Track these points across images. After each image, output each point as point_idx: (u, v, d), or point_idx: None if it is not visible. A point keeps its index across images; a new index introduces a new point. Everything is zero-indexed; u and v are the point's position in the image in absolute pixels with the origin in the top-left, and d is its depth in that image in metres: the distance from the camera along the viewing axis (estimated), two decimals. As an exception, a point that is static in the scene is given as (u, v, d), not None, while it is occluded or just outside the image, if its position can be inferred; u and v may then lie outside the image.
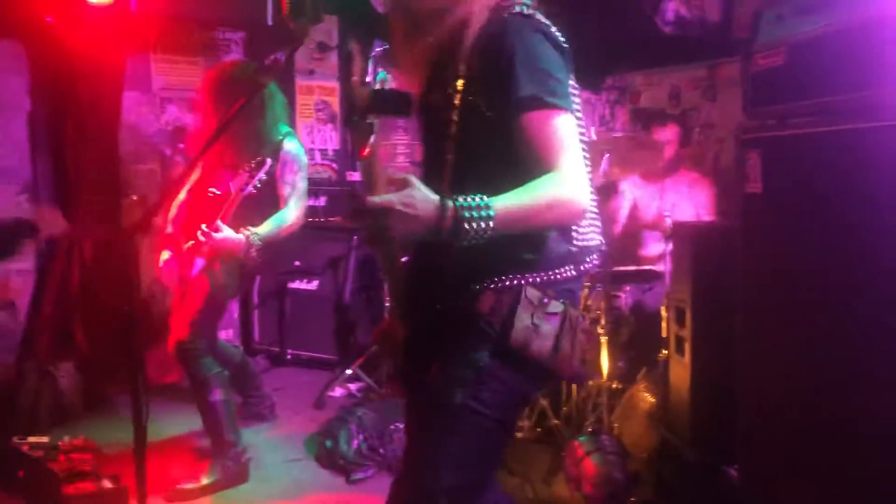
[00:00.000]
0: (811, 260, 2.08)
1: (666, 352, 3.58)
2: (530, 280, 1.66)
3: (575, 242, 1.75)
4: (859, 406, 1.92)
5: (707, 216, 4.16)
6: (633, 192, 4.42)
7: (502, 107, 1.61)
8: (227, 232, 3.37)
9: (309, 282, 5.40)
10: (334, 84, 6.13)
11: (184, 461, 3.82)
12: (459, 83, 1.66)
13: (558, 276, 1.69)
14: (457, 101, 1.66)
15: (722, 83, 4.55)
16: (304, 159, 3.71)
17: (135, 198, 5.18)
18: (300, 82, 5.93)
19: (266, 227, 3.50)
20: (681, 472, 2.94)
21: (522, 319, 1.61)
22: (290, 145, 3.62)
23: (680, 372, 3.01)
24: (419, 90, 1.81)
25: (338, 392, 4.82)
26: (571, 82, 1.72)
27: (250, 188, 3.34)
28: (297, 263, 5.26)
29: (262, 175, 3.34)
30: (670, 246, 3.40)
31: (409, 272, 1.81)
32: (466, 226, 1.48)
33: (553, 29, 1.69)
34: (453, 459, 1.65)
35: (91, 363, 4.70)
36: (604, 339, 3.76)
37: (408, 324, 1.83)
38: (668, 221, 3.82)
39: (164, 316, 5.29)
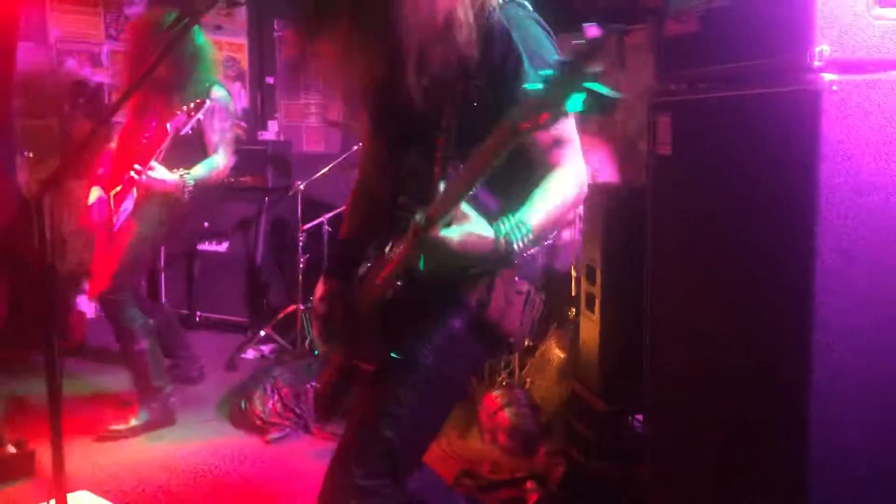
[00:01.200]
0: (717, 220, 2.20)
1: (575, 310, 3.73)
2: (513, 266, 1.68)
3: None
4: (758, 362, 2.04)
5: (606, 179, 4.29)
6: None
7: (511, 103, 1.57)
8: (161, 171, 3.41)
9: (219, 243, 5.31)
10: (243, 40, 5.97)
11: (113, 409, 3.84)
12: (461, 81, 1.64)
13: (528, 258, 1.72)
14: (456, 96, 1.65)
15: (630, 50, 4.66)
16: (233, 108, 3.74)
17: (30, 155, 4.95)
18: (207, 37, 5.75)
19: (198, 170, 3.56)
20: (590, 422, 3.07)
21: (498, 298, 1.68)
22: (219, 93, 3.64)
23: (590, 327, 3.13)
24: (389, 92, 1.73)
25: (250, 354, 4.79)
26: None
27: (188, 128, 3.40)
28: (206, 224, 5.15)
29: (199, 115, 3.37)
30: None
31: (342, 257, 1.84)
32: (516, 248, 1.53)
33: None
34: (420, 420, 1.71)
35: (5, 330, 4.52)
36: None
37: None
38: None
39: (67, 278, 5.16)
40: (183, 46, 3.46)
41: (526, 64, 1.60)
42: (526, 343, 3.66)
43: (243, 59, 6.00)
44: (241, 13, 5.90)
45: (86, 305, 5.11)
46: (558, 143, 1.65)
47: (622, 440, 2.85)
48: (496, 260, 1.54)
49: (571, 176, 1.67)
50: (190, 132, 3.42)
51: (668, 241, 2.45)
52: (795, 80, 1.82)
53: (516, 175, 1.61)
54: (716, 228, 2.19)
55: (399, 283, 1.64)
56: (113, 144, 3.78)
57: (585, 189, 1.70)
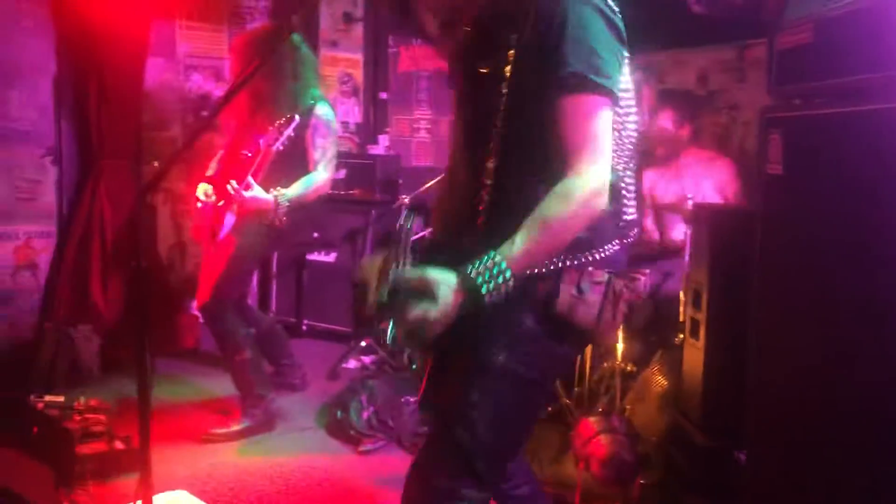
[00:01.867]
0: (832, 246, 2.03)
1: (682, 335, 3.56)
2: (586, 259, 1.65)
3: (624, 218, 1.76)
4: (873, 400, 1.87)
5: (728, 195, 4.10)
6: (647, 178, 4.37)
7: (548, 83, 1.57)
8: (256, 190, 3.45)
9: (327, 254, 5.42)
10: (359, 56, 6.10)
11: (217, 414, 3.96)
12: (511, 53, 1.61)
13: (607, 253, 1.69)
14: (507, 72, 1.61)
15: (750, 65, 4.46)
16: (336, 125, 3.76)
17: (156, 164, 5.20)
18: (324, 53, 5.90)
19: (295, 189, 3.57)
20: (690, 455, 2.91)
21: (566, 288, 1.62)
22: (322, 110, 3.66)
23: (694, 355, 2.98)
24: (461, 58, 1.76)
25: (352, 364, 4.84)
26: (625, 63, 1.69)
27: (279, 145, 3.41)
28: (315, 235, 5.26)
29: (289, 131, 3.40)
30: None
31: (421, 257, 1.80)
32: (486, 294, 1.53)
33: (610, 4, 1.64)
34: (493, 419, 1.65)
35: (109, 326, 4.75)
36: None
37: None
38: (689, 203, 3.78)
39: (184, 282, 5.39)
40: (284, 60, 3.50)
41: (566, 45, 1.55)
42: (627, 368, 3.63)
43: (358, 74, 6.12)
44: (358, 29, 6.03)
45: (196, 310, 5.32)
46: (579, 142, 1.57)
47: (722, 477, 2.67)
48: (470, 307, 1.53)
49: (574, 190, 1.57)
50: (281, 148, 3.42)
51: (777, 266, 2.29)
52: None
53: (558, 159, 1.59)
54: (830, 254, 2.03)
55: None
56: (221, 151, 3.89)
57: (594, 193, 1.59)
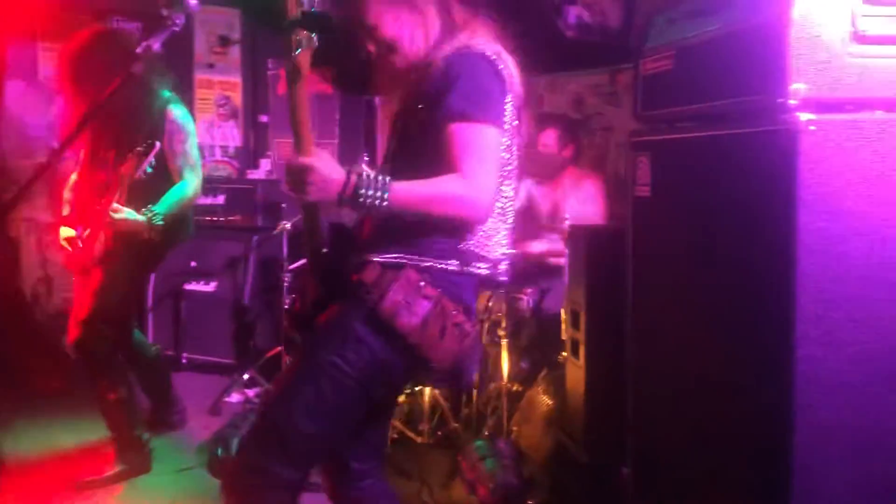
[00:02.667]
0: (696, 264, 2.10)
1: (565, 354, 3.61)
2: (414, 262, 1.82)
3: (466, 242, 1.89)
4: (743, 409, 1.94)
5: (596, 213, 4.20)
6: (528, 191, 4.43)
7: (438, 117, 1.80)
8: (125, 213, 3.23)
9: (206, 283, 5.21)
10: (237, 79, 5.95)
11: (90, 459, 3.69)
12: (417, 99, 1.87)
13: (440, 266, 1.84)
14: (413, 112, 1.88)
15: (623, 89, 4.61)
16: (191, 125, 3.51)
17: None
18: (199, 76, 5.73)
19: (164, 204, 3.35)
20: (576, 474, 2.94)
21: (396, 293, 1.77)
22: (174, 113, 3.43)
23: (576, 374, 3.02)
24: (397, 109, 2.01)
25: (234, 398, 4.66)
26: (508, 109, 1.91)
27: (140, 173, 3.19)
28: (193, 264, 5.07)
29: (151, 159, 3.19)
30: (557, 245, 3.44)
31: (328, 237, 1.94)
32: (362, 197, 1.71)
33: (501, 62, 1.90)
34: (308, 406, 1.80)
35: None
36: (504, 342, 3.75)
37: (316, 287, 1.94)
38: (566, 222, 3.86)
39: (52, 318, 5.08)
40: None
41: (456, 86, 1.78)
42: (514, 388, 3.66)
43: (237, 97, 5.98)
44: (235, 51, 5.89)
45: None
46: (467, 155, 1.76)
47: (608, 494, 2.71)
48: (346, 198, 1.72)
49: (460, 178, 1.76)
50: (143, 176, 3.25)
51: (648, 285, 2.35)
52: (771, 119, 1.73)
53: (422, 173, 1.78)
54: (695, 273, 2.10)
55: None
56: (73, 177, 3.64)
57: (478, 195, 1.78)
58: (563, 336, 3.63)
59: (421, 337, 1.77)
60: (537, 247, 4.34)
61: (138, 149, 3.17)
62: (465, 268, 1.87)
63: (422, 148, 1.85)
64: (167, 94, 3.47)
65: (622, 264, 2.54)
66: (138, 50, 1.92)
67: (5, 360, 4.59)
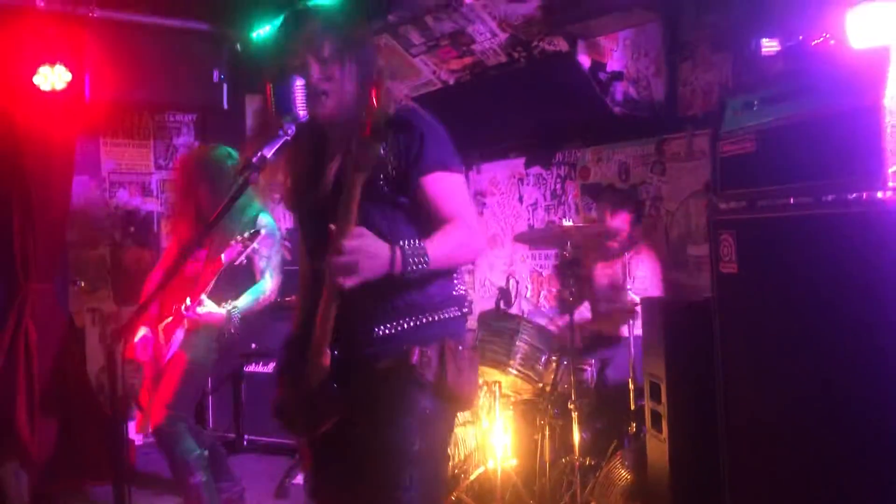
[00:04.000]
0: (792, 341, 2.15)
1: (635, 426, 3.62)
2: (424, 320, 1.93)
3: (457, 288, 2.04)
4: (844, 486, 1.96)
5: (655, 283, 4.25)
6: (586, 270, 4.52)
7: (410, 174, 1.90)
8: (209, 305, 3.45)
9: (265, 364, 5.29)
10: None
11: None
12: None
13: (445, 317, 1.97)
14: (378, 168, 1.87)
15: (669, 158, 4.71)
16: (279, 234, 3.78)
17: (82, 284, 5.04)
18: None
19: (245, 300, 3.57)
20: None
21: (450, 367, 1.89)
22: (265, 220, 3.67)
23: (658, 447, 3.03)
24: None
25: (299, 479, 4.68)
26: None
27: (242, 258, 3.40)
28: (253, 346, 5.15)
29: (255, 245, 3.40)
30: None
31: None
32: (410, 266, 1.78)
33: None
34: (422, 498, 1.87)
35: (38, 462, 4.47)
36: (574, 415, 3.77)
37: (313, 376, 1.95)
38: (630, 296, 3.92)
39: (116, 404, 5.15)
40: (226, 177, 3.53)
41: (427, 145, 1.89)
42: (587, 461, 3.65)
43: (288, 181, 6.14)
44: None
45: (134, 433, 5.10)
46: (456, 201, 1.92)
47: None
48: (396, 270, 1.77)
49: (464, 224, 1.90)
50: (244, 262, 3.45)
51: (740, 361, 2.39)
52: (869, 200, 1.80)
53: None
54: (791, 350, 2.14)
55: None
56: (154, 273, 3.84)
57: (480, 236, 2.02)
58: (632, 407, 3.66)
59: (469, 387, 1.94)
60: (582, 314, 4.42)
61: (244, 235, 3.37)
62: (462, 311, 2.02)
63: (397, 202, 1.94)
64: (257, 203, 3.70)
65: (702, 336, 2.59)
66: (254, 159, 2.04)
67: (74, 447, 4.65)
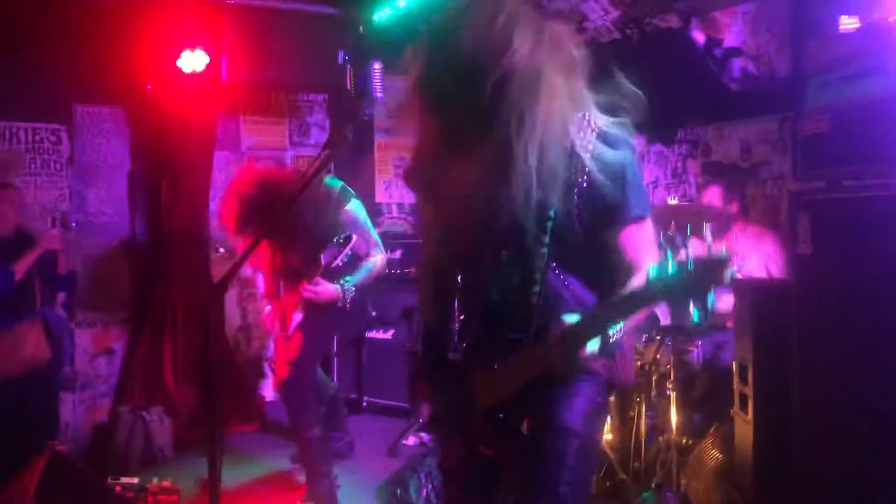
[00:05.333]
0: (863, 320, 2.10)
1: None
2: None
3: None
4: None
5: (773, 270, 4.12)
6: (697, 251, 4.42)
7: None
8: (325, 284, 3.68)
9: (385, 331, 5.57)
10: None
11: (282, 491, 4.11)
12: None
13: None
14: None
15: (792, 136, 4.53)
16: (363, 212, 3.91)
17: (222, 251, 5.48)
18: (378, 140, 6.18)
19: (356, 277, 3.79)
20: (746, 531, 2.91)
21: (621, 361, 1.91)
22: (350, 206, 3.81)
23: (744, 429, 3.00)
24: None
25: (411, 441, 4.92)
26: None
27: (339, 261, 3.63)
28: (374, 314, 5.43)
29: (348, 251, 3.62)
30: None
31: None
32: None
33: None
34: (582, 480, 1.90)
35: (181, 409, 4.96)
36: (673, 395, 3.76)
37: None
38: (736, 276, 3.83)
39: (250, 363, 5.61)
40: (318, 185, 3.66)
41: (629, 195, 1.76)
42: (683, 441, 3.65)
43: (412, 157, 6.36)
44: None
45: (265, 389, 5.53)
46: (641, 249, 1.79)
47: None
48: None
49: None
50: (342, 264, 3.67)
51: (816, 342, 2.36)
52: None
53: (602, 273, 1.80)
54: (862, 327, 2.09)
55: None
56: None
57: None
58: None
59: (631, 374, 1.99)
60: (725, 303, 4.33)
61: (338, 240, 3.59)
62: None
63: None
64: (337, 183, 3.86)
65: (788, 319, 2.55)
66: (334, 139, 2.21)
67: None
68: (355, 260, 3.84)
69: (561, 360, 1.69)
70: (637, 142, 5.46)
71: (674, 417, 3.71)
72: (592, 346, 1.68)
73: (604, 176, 1.74)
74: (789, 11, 4.32)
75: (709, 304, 1.45)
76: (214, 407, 2.23)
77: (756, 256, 4.20)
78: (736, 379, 3.12)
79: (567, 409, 1.84)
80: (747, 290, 3.02)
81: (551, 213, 1.74)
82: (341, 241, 3.64)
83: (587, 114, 1.77)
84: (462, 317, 1.97)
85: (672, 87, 4.63)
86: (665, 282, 1.49)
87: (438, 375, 2.04)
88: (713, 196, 4.27)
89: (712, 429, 3.61)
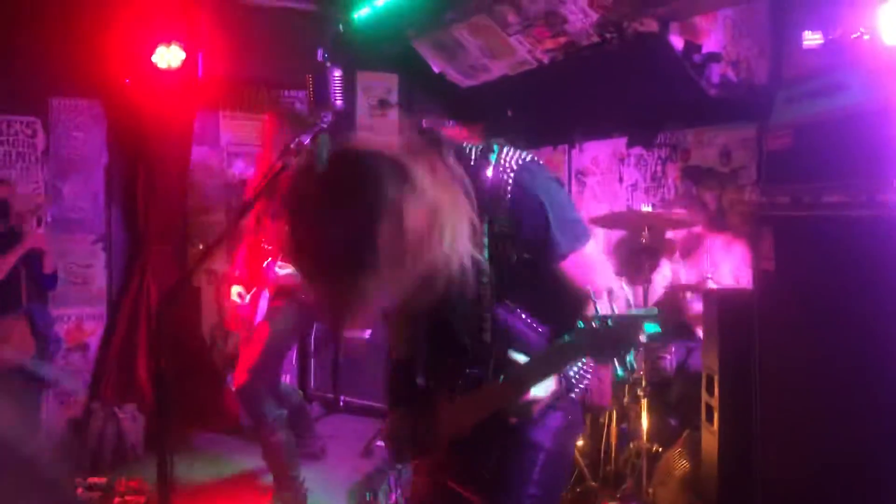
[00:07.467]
0: (824, 334, 2.09)
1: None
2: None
3: None
4: (875, 479, 1.91)
5: (744, 278, 4.11)
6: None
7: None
8: (289, 268, 3.62)
9: (362, 331, 5.54)
10: (395, 140, 6.30)
11: (251, 493, 4.10)
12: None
13: None
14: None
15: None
16: None
17: (201, 247, 5.45)
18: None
19: None
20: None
21: (594, 382, 1.83)
22: None
23: (710, 440, 3.00)
24: None
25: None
26: None
27: None
28: (350, 312, 5.41)
29: None
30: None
31: None
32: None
33: None
34: (551, 495, 1.89)
35: (153, 405, 4.92)
36: (644, 401, 3.75)
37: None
38: (710, 284, 3.83)
39: (226, 360, 5.58)
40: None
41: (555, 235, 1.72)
42: (653, 448, 3.64)
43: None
44: (393, 114, 6.26)
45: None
46: (587, 274, 1.76)
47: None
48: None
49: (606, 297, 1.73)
50: None
51: (776, 356, 2.35)
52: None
53: (556, 307, 1.77)
54: (827, 345, 2.08)
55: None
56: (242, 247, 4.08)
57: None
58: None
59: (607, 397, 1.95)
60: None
61: None
62: None
63: None
64: None
65: (753, 331, 2.54)
66: (291, 145, 2.19)
67: (185, 398, 5.08)
68: None
69: (509, 401, 1.72)
70: (618, 143, 5.49)
71: (645, 424, 3.71)
72: (536, 391, 1.69)
73: (525, 222, 1.73)
74: (767, 18, 4.30)
75: (628, 362, 1.47)
76: (165, 414, 2.22)
77: (727, 265, 4.20)
78: (703, 389, 3.11)
79: (535, 424, 1.83)
80: (714, 299, 3.01)
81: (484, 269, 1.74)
82: None
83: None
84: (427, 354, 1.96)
85: (652, 91, 4.62)
86: (589, 335, 1.52)
87: (403, 406, 2.04)
88: (689, 201, 4.25)
89: (682, 437, 3.61)
